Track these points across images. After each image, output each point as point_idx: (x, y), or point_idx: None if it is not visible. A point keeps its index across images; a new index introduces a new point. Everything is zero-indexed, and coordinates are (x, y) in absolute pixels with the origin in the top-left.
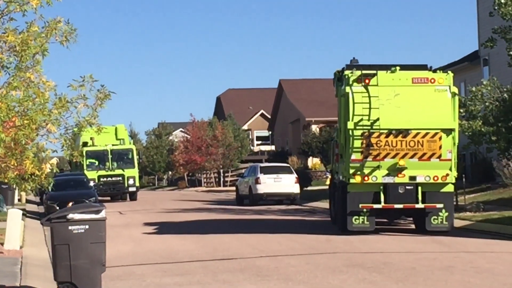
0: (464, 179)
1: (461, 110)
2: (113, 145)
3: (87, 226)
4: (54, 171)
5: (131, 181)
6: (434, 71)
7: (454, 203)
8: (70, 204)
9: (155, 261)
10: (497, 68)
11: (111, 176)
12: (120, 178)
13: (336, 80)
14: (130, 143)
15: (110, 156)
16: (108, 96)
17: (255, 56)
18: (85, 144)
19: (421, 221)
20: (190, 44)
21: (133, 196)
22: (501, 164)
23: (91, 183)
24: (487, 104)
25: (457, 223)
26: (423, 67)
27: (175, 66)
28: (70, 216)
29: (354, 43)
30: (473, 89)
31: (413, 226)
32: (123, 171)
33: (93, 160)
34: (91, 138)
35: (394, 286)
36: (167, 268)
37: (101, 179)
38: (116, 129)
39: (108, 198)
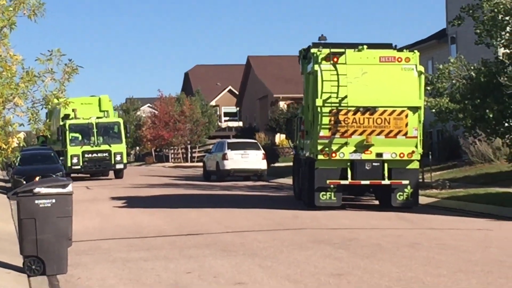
0: (430, 157)
1: (428, 88)
2: (97, 117)
3: (53, 200)
4: (21, 145)
5: (118, 158)
6: (400, 49)
7: (420, 180)
8: (37, 178)
9: (122, 236)
10: (465, 46)
11: (97, 152)
12: (107, 154)
13: (301, 57)
14: (115, 116)
15: (95, 130)
16: (75, 71)
17: (224, 32)
18: (66, 116)
19: (386, 197)
20: (158, 19)
21: (119, 174)
22: (467, 141)
23: (75, 160)
24: (454, 82)
25: (423, 200)
26: (388, 46)
27: (144, 42)
28: (37, 190)
29: (322, 20)
30: (441, 67)
31: (377, 202)
32: (110, 146)
33: (77, 134)
34: (73, 110)
35: (360, 262)
36: (133, 243)
37: (86, 155)
38: (99, 100)
39: (89, 175)
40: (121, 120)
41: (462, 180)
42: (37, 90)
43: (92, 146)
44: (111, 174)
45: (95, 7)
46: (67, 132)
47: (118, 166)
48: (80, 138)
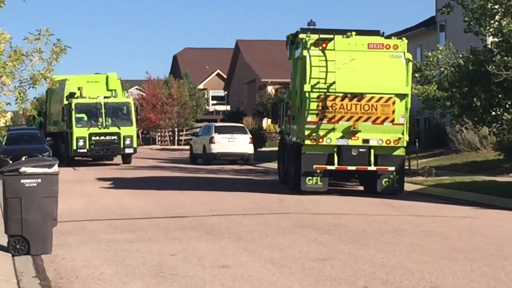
0: (417, 144)
1: (416, 75)
2: (105, 97)
3: (39, 180)
4: (8, 124)
5: (128, 141)
6: (388, 36)
7: (407, 167)
8: (24, 158)
9: (107, 217)
10: (453, 34)
11: (105, 134)
12: (116, 137)
13: (289, 43)
14: (123, 96)
15: (103, 111)
16: (64, 51)
17: (213, 15)
18: (72, 95)
19: (371, 183)
20: (148, 1)
21: (127, 159)
22: (454, 129)
23: (81, 142)
24: (442, 69)
25: (409, 187)
26: (376, 33)
27: (132, 23)
28: (23, 169)
29: (311, 5)
30: (429, 54)
31: (361, 188)
32: (119, 129)
33: (83, 115)
34: (78, 88)
35: (344, 247)
36: (118, 224)
37: (93, 138)
38: (107, 78)
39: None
40: (131, 101)
41: (448, 168)
42: (24, 70)
43: (100, 128)
44: (117, 159)
45: None
46: (73, 112)
47: (128, 151)
48: (86, 119)
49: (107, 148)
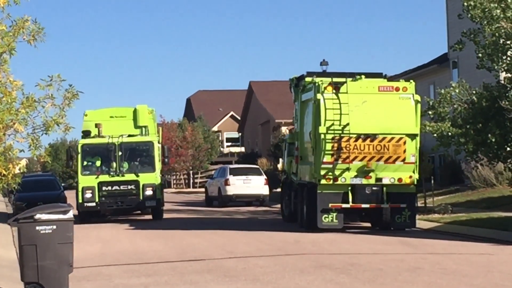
0: (432, 181)
1: (430, 112)
2: (129, 135)
3: (54, 227)
4: (22, 171)
5: (148, 192)
6: (391, 78)
7: (422, 204)
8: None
9: (123, 262)
10: (466, 70)
11: (119, 183)
12: (133, 187)
13: (293, 85)
14: (158, 134)
15: (118, 154)
16: (76, 96)
17: (226, 57)
18: (86, 134)
19: (382, 220)
20: (160, 45)
21: (156, 214)
22: (469, 166)
23: (88, 194)
24: (455, 106)
25: (425, 224)
26: (379, 75)
27: (145, 67)
28: (38, 216)
29: (322, 45)
30: (442, 91)
31: (366, 224)
32: (137, 176)
33: (94, 160)
34: (96, 125)
35: (361, 287)
36: (135, 269)
37: (104, 188)
38: (135, 112)
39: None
40: (154, 139)
41: (464, 205)
42: (37, 116)
43: (112, 176)
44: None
45: (95, 32)
46: (79, 155)
47: (149, 203)
48: (97, 164)
49: (122, 201)
